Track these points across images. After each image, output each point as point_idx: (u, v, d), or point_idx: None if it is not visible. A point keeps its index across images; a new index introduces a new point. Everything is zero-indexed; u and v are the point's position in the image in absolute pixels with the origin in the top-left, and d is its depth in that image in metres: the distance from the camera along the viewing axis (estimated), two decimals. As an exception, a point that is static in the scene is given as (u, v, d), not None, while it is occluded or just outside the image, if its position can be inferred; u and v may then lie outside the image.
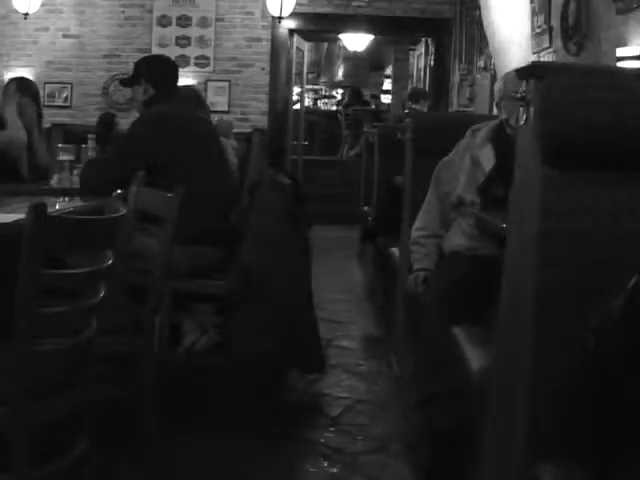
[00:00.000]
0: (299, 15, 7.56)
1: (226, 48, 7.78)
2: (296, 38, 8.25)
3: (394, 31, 8.48)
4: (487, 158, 2.87)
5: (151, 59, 3.68)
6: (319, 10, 7.82)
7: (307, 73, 10.26)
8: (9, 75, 6.55)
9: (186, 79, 6.93)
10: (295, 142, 9.00)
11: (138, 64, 3.43)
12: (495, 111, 3.19)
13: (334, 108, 13.25)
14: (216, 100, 7.46)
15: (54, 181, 3.53)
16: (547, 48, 4.63)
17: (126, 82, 3.51)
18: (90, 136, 4.00)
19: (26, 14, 7.26)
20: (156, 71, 3.33)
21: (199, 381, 3.26)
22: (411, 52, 10.92)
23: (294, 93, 9.00)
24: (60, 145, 3.71)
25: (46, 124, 6.22)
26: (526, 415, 1.38)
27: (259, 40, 7.77)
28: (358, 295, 5.47)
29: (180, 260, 2.85)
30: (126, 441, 2.46)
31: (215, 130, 3.60)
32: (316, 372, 3.43)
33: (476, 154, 2.89)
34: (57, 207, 2.80)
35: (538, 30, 4.81)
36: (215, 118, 6.32)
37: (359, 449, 2.73)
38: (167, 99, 3.28)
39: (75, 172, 3.45)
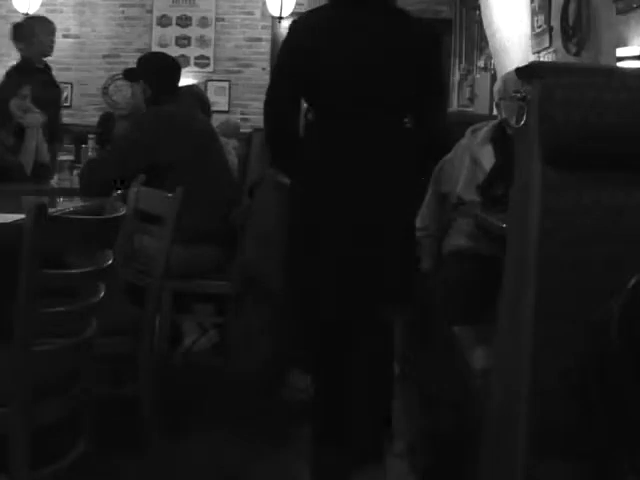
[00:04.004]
0: (299, 15, 7.56)
1: (226, 48, 7.78)
2: (296, 38, 8.25)
3: (394, 31, 8.47)
4: (487, 158, 2.87)
5: (150, 58, 3.67)
6: (319, 10, 7.81)
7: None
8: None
9: (186, 79, 6.92)
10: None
11: (139, 61, 3.43)
12: (495, 111, 3.19)
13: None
14: (216, 100, 7.44)
15: (54, 181, 3.53)
16: (547, 48, 4.63)
17: (127, 75, 3.51)
18: (90, 136, 4.00)
19: (26, 14, 7.27)
20: (154, 71, 3.32)
21: (199, 381, 3.26)
22: (411, 52, 10.90)
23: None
24: (60, 145, 3.71)
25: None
26: (526, 415, 1.38)
27: (259, 40, 7.77)
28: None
29: (180, 260, 2.85)
30: (126, 441, 2.46)
31: (214, 130, 3.60)
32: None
33: (476, 154, 2.90)
34: (57, 207, 2.80)
35: (538, 30, 4.81)
36: (222, 118, 6.33)
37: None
38: (167, 99, 3.27)
39: (75, 172, 3.45)
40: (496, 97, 3.02)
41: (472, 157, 2.91)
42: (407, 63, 2.27)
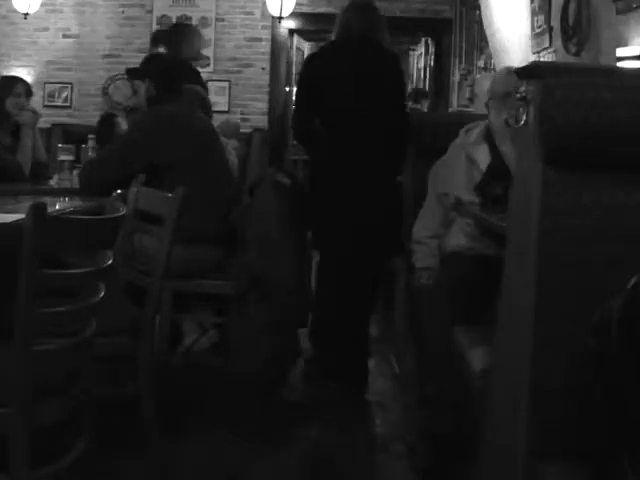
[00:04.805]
0: (299, 15, 7.56)
1: (226, 48, 7.77)
2: (296, 38, 8.24)
3: (394, 31, 8.45)
4: (483, 156, 2.87)
5: (157, 58, 3.68)
6: (319, 10, 7.81)
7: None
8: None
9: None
10: (295, 142, 8.97)
11: (145, 61, 3.43)
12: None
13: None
14: (216, 100, 7.44)
15: (54, 181, 3.53)
16: (547, 48, 4.63)
17: (131, 73, 3.51)
18: (90, 136, 4.00)
19: (26, 14, 7.26)
20: (160, 71, 3.33)
21: (199, 381, 3.26)
22: (411, 52, 10.91)
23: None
24: (60, 145, 3.70)
25: (46, 124, 6.21)
26: (526, 415, 1.38)
27: (259, 40, 7.77)
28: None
29: (180, 260, 2.85)
30: (126, 441, 2.46)
31: (215, 130, 3.60)
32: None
33: (471, 152, 2.90)
34: (57, 207, 2.80)
35: (538, 30, 4.81)
36: (222, 118, 6.33)
37: (359, 449, 2.73)
38: (170, 99, 3.28)
39: (75, 172, 3.45)
40: (486, 97, 3.03)
41: (468, 157, 2.91)
42: (386, 86, 3.32)
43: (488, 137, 2.90)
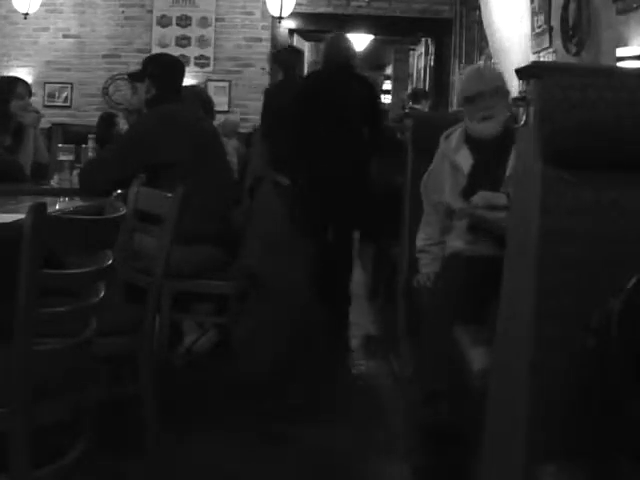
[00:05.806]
0: (299, 15, 7.56)
1: (226, 48, 7.78)
2: (296, 38, 8.25)
3: (394, 31, 8.48)
4: (465, 160, 2.87)
5: (156, 58, 3.67)
6: (319, 10, 7.81)
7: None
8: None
9: (186, 79, 6.90)
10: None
11: (144, 62, 3.43)
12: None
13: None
14: (216, 100, 7.43)
15: (54, 181, 3.53)
16: (547, 48, 4.64)
17: (133, 76, 3.52)
18: (90, 136, 4.00)
19: (26, 14, 7.27)
20: (159, 71, 3.32)
21: (199, 381, 3.26)
22: (411, 52, 10.93)
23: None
24: (60, 145, 3.70)
25: (46, 124, 6.21)
26: (526, 415, 1.38)
27: (259, 40, 7.77)
28: (358, 295, 5.46)
29: (180, 260, 2.85)
30: (126, 441, 2.46)
31: (216, 130, 3.60)
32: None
33: (453, 158, 2.90)
34: (57, 207, 2.79)
35: (538, 30, 4.82)
36: (222, 118, 6.34)
37: (359, 449, 2.73)
38: (170, 99, 3.27)
39: (75, 172, 3.45)
40: (460, 97, 3.02)
41: (450, 162, 2.91)
42: (362, 102, 4.35)
43: (468, 139, 2.89)
